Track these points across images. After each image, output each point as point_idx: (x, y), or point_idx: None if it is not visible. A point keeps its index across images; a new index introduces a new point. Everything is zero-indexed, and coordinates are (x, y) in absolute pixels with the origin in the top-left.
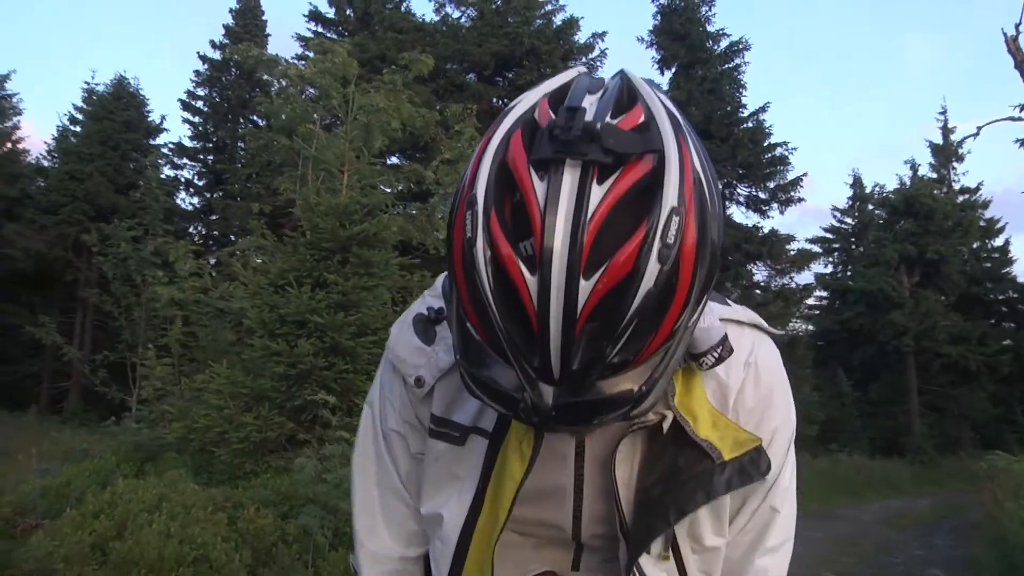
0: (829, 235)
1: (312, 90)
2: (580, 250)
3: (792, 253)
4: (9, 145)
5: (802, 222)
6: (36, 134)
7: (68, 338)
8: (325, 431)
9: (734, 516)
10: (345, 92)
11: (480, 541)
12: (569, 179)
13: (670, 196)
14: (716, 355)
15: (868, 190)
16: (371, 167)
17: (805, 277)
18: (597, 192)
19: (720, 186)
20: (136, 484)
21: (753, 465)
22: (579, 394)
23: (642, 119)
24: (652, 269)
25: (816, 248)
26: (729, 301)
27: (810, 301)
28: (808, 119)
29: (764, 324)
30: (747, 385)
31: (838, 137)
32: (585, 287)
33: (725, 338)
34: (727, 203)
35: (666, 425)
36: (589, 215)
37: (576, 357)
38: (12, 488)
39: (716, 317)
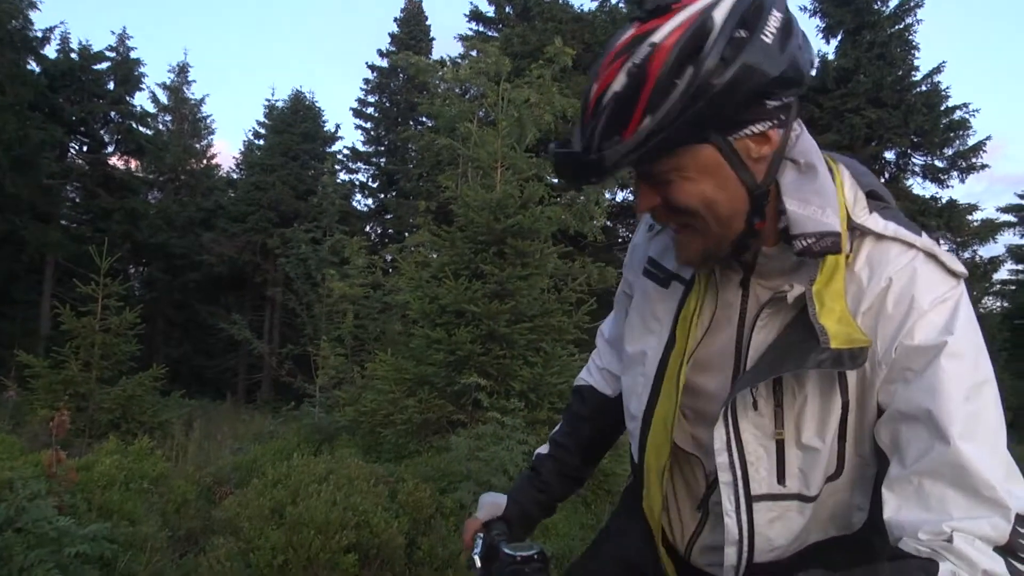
0: None
1: (474, 89)
2: (598, 70)
3: (975, 224)
4: (204, 162)
5: (992, 191)
6: (227, 150)
7: (259, 334)
8: (481, 412)
9: (892, 446)
10: (498, 89)
11: (672, 372)
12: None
13: (655, 36)
14: (807, 242)
15: None
16: (527, 160)
17: (995, 250)
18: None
19: (752, 39)
20: (309, 460)
21: (852, 358)
22: (589, 155)
23: None
24: (620, 79)
25: (1009, 217)
26: (924, 233)
27: (1003, 276)
28: (998, 76)
29: (941, 254)
30: (889, 297)
31: None
32: (595, 89)
33: (833, 235)
34: (904, 174)
35: (791, 296)
36: (619, 50)
37: (588, 133)
38: (213, 463)
39: (867, 227)
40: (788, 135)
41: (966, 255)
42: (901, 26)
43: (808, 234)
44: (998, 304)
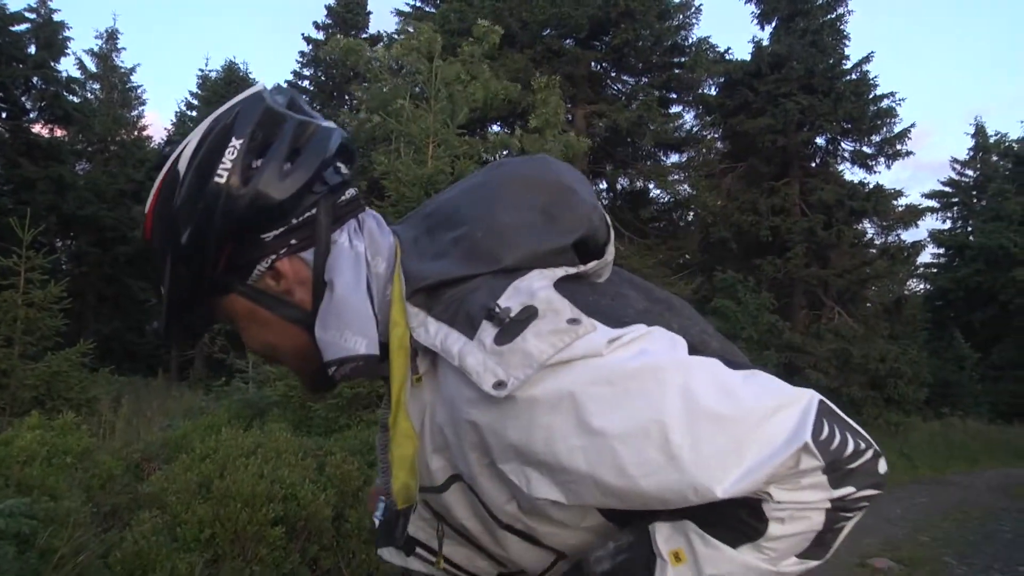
0: (947, 189)
1: (408, 66)
2: None
3: (900, 209)
4: (136, 133)
5: (917, 177)
6: (158, 122)
7: None
8: None
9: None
10: (431, 67)
11: None
12: None
13: (147, 202)
14: (332, 371)
15: (992, 140)
16: (458, 138)
17: (919, 234)
18: None
19: (220, 186)
20: (237, 434)
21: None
22: None
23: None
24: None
25: (932, 203)
26: (494, 318)
27: (927, 259)
28: (924, 67)
29: (479, 366)
30: (491, 445)
31: (961, 86)
32: None
33: (352, 360)
34: (834, 159)
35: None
36: None
37: None
38: (142, 439)
39: (420, 343)
40: (324, 254)
41: (890, 239)
42: (833, 15)
43: (331, 361)
44: (921, 287)
